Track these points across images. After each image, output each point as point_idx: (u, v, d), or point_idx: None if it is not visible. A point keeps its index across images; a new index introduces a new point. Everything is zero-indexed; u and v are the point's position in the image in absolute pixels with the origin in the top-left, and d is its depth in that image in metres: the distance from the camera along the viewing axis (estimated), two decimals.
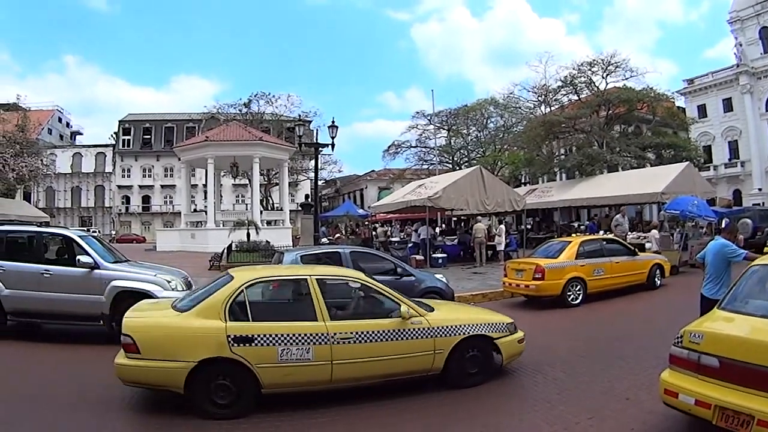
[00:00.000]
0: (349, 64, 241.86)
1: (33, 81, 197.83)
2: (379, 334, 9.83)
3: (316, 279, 10.14)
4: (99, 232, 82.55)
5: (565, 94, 65.66)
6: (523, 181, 71.19)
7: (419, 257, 32.23)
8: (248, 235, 34.66)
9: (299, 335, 9.33)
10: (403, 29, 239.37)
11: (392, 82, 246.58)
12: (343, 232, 50.05)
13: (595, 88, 60.19)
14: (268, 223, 52.93)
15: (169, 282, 14.84)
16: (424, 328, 10.22)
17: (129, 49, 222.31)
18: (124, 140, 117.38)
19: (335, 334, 9.48)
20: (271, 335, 9.21)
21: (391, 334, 9.93)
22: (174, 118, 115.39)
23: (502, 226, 36.36)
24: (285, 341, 9.24)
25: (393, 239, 42.83)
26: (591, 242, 22.29)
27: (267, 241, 34.40)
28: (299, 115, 67.55)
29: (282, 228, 52.56)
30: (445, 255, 33.34)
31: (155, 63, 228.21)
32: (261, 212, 55.06)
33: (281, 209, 59.42)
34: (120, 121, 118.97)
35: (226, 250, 32.85)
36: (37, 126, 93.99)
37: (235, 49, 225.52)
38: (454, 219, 52.51)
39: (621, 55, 59.83)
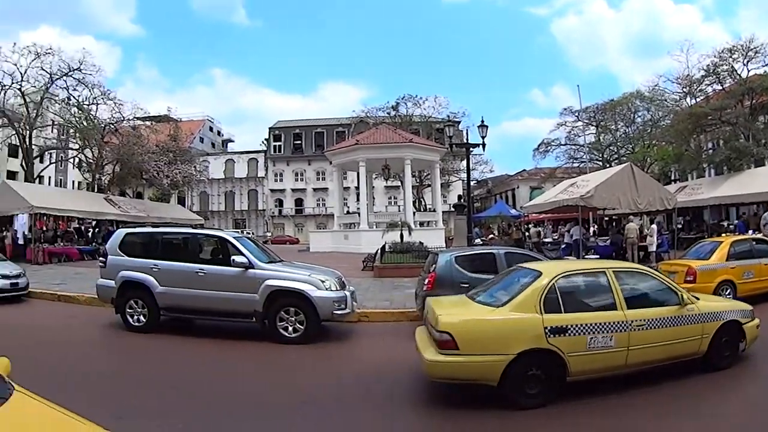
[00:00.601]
0: (493, 63, 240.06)
1: (181, 95, 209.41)
2: (663, 321, 10.29)
3: (613, 271, 10.74)
4: (253, 233, 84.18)
5: (709, 84, 62.13)
6: (672, 178, 69.19)
7: (572, 258, 31.09)
8: (401, 236, 34.51)
9: (604, 324, 9.75)
10: (542, 25, 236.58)
11: (537, 78, 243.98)
12: (496, 233, 49.61)
13: (738, 76, 57.19)
14: (421, 224, 52.71)
15: (323, 282, 14.93)
16: (696, 314, 10.67)
17: (273, 59, 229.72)
18: (275, 146, 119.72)
19: (632, 321, 9.88)
20: (582, 325, 9.59)
21: (673, 320, 10.39)
22: (323, 123, 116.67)
23: (654, 226, 35.68)
24: (593, 330, 9.63)
25: (546, 240, 42.49)
26: (741, 243, 21.42)
27: (420, 242, 34.06)
28: (447, 116, 68.19)
29: (435, 229, 51.96)
30: (597, 256, 32.07)
31: (300, 71, 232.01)
32: (414, 213, 54.66)
33: (434, 210, 58.67)
34: (270, 128, 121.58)
35: (379, 251, 32.65)
36: (189, 135, 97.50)
37: (378, 54, 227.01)
38: (606, 219, 51.01)
39: (759, 39, 56.81)
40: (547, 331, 9.33)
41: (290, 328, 14.39)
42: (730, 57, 55.82)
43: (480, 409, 9.28)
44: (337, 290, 15.01)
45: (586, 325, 9.59)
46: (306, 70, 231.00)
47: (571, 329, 9.46)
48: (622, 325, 9.78)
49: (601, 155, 74.80)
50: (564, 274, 10.47)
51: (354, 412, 9.44)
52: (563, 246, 36.07)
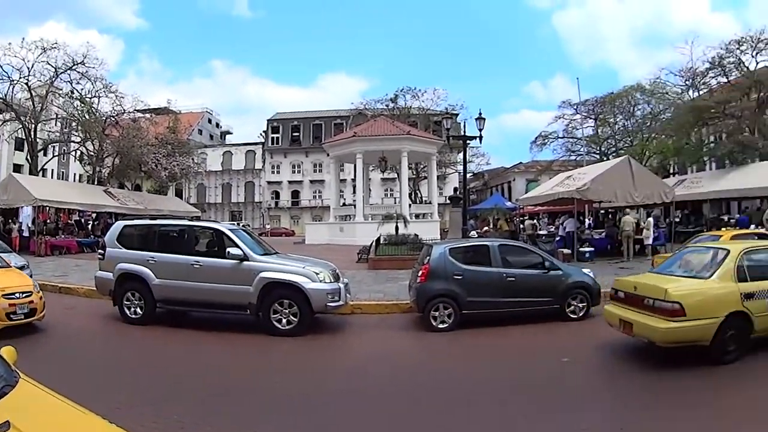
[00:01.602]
0: (493, 55, 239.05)
1: (183, 86, 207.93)
2: None
3: (757, 236, 13.61)
4: (249, 225, 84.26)
5: (713, 77, 61.94)
6: (671, 171, 68.85)
7: (566, 251, 31.78)
8: (396, 228, 34.47)
9: None
10: (544, 17, 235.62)
11: (537, 71, 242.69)
12: (491, 225, 49.85)
13: (745, 69, 56.86)
14: (417, 216, 52.07)
15: (317, 274, 14.94)
16: None
17: (274, 51, 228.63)
18: (273, 138, 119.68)
19: None
20: (764, 290, 11.37)
21: None
22: (321, 115, 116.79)
23: (650, 219, 35.72)
24: None
25: (540, 232, 42.58)
26: (742, 237, 21.01)
27: (415, 234, 33.87)
28: (446, 109, 68.89)
29: (430, 221, 52.02)
30: (592, 249, 32.91)
31: (300, 63, 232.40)
32: (410, 206, 54.97)
33: (430, 202, 58.48)
34: (268, 120, 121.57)
35: (374, 243, 32.72)
36: (188, 127, 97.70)
37: (378, 46, 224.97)
38: (602, 211, 51.14)
39: None
40: (742, 296, 11.16)
41: (284, 320, 14.41)
42: (738, 49, 55.25)
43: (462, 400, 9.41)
44: (331, 282, 15.04)
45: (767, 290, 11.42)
46: (307, 61, 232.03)
47: (757, 294, 11.27)
48: None
49: (598, 148, 74.87)
50: (748, 249, 12.35)
51: (348, 403, 9.53)
52: (557, 239, 35.96)
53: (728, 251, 12.14)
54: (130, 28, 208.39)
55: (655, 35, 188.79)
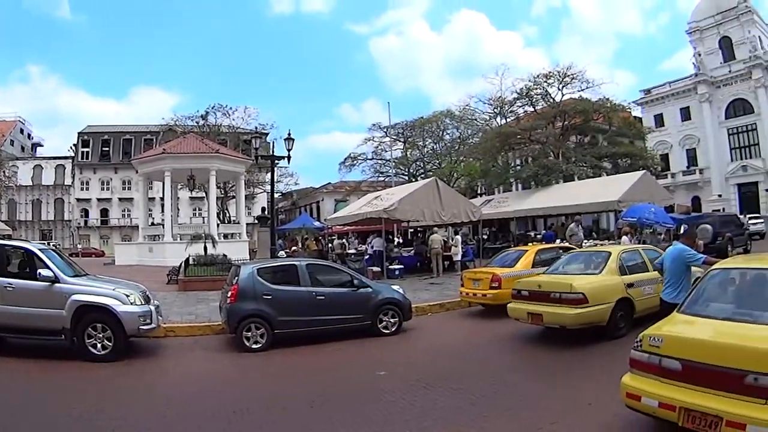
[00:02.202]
0: (308, 76, 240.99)
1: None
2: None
3: (643, 250, 17.84)
4: (60, 245, 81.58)
5: (520, 106, 66.56)
6: (479, 192, 71.79)
7: (376, 269, 32.20)
8: (205, 248, 33.95)
9: (649, 279, 15.51)
10: (362, 42, 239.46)
11: (350, 94, 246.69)
12: (300, 244, 49.90)
13: (551, 100, 61.34)
14: (225, 236, 52.03)
15: (127, 296, 14.57)
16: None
17: (91, 59, 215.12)
18: (83, 152, 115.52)
19: (659, 278, 13.69)
20: (640, 281, 15.72)
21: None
22: (132, 130, 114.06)
23: (458, 237, 36.98)
24: (646, 284, 15.63)
25: (349, 251, 42.95)
26: (547, 251, 22.68)
27: (224, 255, 33.56)
28: (256, 128, 69.20)
29: (239, 241, 52.05)
30: (401, 266, 33.63)
31: (116, 74, 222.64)
32: (218, 225, 54.10)
33: (238, 222, 58.84)
34: (79, 133, 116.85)
35: (183, 264, 32.28)
36: (0, 137, 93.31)
37: (196, 61, 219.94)
38: (411, 230, 52.59)
39: (577, 66, 61.22)
40: (625, 285, 15.38)
41: (99, 345, 14.00)
42: (545, 82, 59.90)
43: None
44: (142, 305, 14.76)
45: (642, 280, 15.71)
46: (121, 72, 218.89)
47: (635, 284, 15.53)
48: (657, 279, 13.85)
49: (407, 170, 76.69)
50: (622, 251, 17.06)
51: (173, 427, 9.40)
52: (366, 257, 36.54)
53: (610, 253, 16.82)
54: None
55: (468, 66, 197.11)
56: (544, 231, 47.12)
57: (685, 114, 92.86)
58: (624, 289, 15.25)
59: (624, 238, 29.05)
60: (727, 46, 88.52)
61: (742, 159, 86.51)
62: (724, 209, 76.17)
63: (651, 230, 31.00)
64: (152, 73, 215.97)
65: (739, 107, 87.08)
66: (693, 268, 11.65)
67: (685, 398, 6.94)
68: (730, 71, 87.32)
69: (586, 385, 10.86)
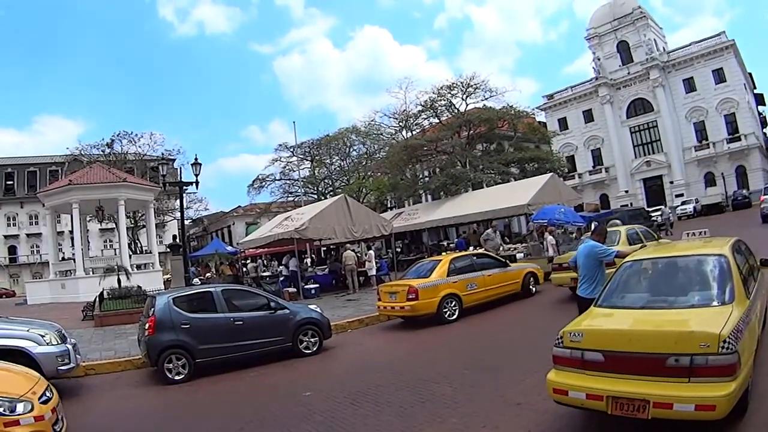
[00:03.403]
0: (214, 99, 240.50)
1: None
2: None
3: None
4: None
5: (426, 118, 67.19)
6: (389, 205, 72.68)
7: (291, 290, 32.56)
8: (119, 281, 33.14)
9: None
10: (266, 62, 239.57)
11: (256, 115, 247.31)
12: (214, 270, 49.41)
13: (456, 110, 62.20)
14: (138, 267, 50.90)
15: (42, 336, 14.25)
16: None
17: None
18: None
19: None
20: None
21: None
22: (36, 161, 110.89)
23: (371, 252, 37.25)
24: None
25: (264, 274, 42.81)
26: (461, 258, 23.03)
27: (138, 286, 32.83)
28: (162, 154, 68.60)
29: (152, 271, 50.85)
30: (317, 285, 33.91)
31: (17, 102, 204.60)
32: (130, 256, 53.29)
33: (150, 252, 56.71)
34: None
35: (98, 299, 31.30)
36: None
37: (100, 87, 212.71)
38: (324, 248, 52.87)
39: (480, 76, 62.40)
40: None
41: None
42: (449, 93, 60.93)
43: None
44: (58, 344, 14.42)
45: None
46: (21, 100, 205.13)
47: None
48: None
49: (315, 188, 77.00)
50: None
51: None
52: (281, 279, 36.76)
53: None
54: None
55: (372, 81, 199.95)
56: (456, 239, 47.57)
57: (588, 116, 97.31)
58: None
59: (548, 237, 30.29)
60: (624, 50, 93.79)
61: (645, 155, 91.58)
62: (631, 204, 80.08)
63: (563, 230, 31.64)
64: (55, 101, 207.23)
65: (639, 106, 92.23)
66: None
67: (611, 387, 7.21)
68: (629, 73, 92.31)
69: (513, 387, 10.96)
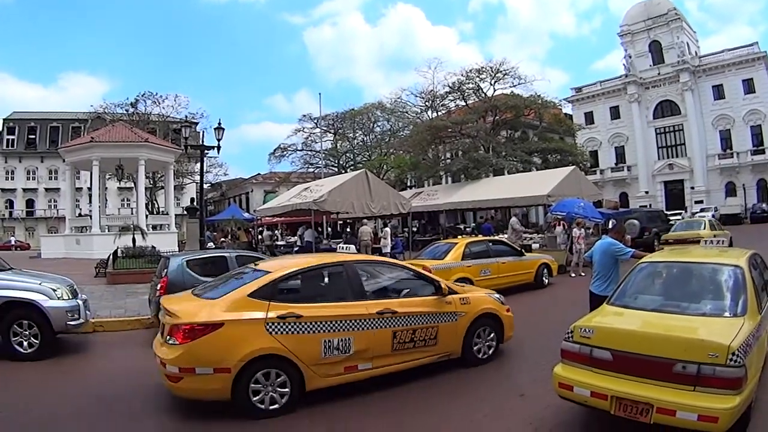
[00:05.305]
0: (241, 66, 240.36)
1: None
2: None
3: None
4: None
5: (452, 100, 67.64)
6: (408, 184, 72.24)
7: None
8: (134, 240, 33.56)
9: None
10: (296, 32, 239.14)
11: (282, 84, 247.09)
12: (229, 236, 49.34)
13: (483, 95, 62.36)
14: (154, 227, 50.81)
15: (54, 290, 14.18)
16: None
17: (17, 42, 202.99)
18: (8, 140, 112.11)
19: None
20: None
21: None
22: (60, 117, 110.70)
23: (388, 229, 37.39)
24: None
25: (279, 243, 42.71)
26: (477, 243, 23.22)
27: (153, 246, 33.30)
28: (186, 117, 68.98)
29: (168, 233, 50.99)
30: None
31: (44, 58, 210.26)
32: (147, 216, 53.21)
33: (167, 213, 57.05)
34: (4, 120, 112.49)
35: (111, 256, 31.58)
36: None
37: (127, 47, 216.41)
38: (340, 222, 53.19)
39: (510, 63, 62.45)
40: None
41: (25, 343, 13.55)
42: (478, 77, 60.96)
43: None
44: (69, 299, 14.36)
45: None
46: (49, 56, 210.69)
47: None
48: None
49: (337, 161, 77.60)
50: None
51: (101, 427, 9.25)
52: (296, 249, 36.84)
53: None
54: None
55: (402, 59, 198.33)
56: (473, 223, 47.52)
57: (615, 113, 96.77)
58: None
59: (558, 228, 30.47)
60: (656, 50, 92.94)
61: (668, 158, 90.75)
62: (650, 205, 79.38)
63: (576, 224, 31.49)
64: (81, 59, 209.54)
65: (667, 108, 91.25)
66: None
67: (617, 387, 7.22)
68: (658, 74, 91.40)
69: (517, 377, 11.07)
